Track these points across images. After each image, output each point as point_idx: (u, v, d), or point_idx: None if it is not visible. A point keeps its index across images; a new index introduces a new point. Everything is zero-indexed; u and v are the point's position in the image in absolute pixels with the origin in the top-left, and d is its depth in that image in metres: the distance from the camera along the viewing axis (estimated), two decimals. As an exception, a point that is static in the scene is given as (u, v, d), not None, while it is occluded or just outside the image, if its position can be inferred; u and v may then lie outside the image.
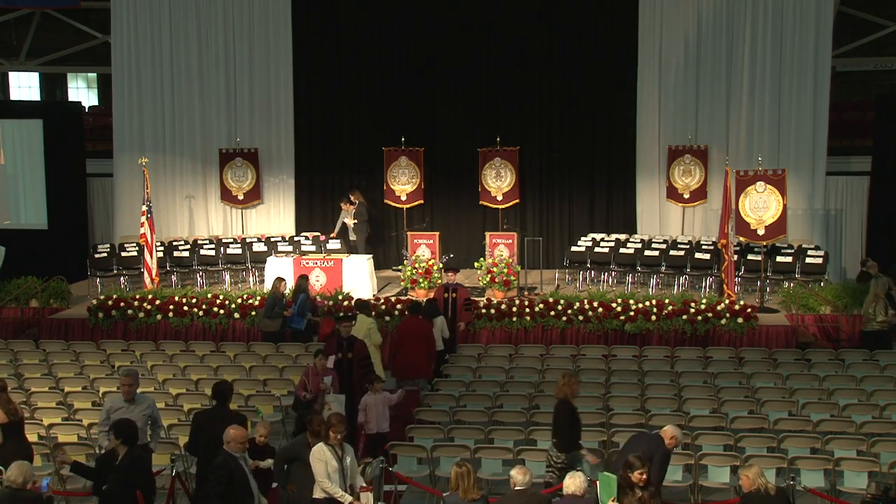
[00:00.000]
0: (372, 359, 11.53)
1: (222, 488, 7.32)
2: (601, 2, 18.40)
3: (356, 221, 18.07)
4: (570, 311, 14.26)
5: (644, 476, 6.97)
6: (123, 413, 8.46)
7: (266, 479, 8.25)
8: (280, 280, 13.94)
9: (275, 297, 13.69)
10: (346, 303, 14.65)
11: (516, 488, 7.08)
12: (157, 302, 14.99)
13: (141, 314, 14.82)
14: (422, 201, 18.64)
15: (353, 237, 18.09)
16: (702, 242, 17.21)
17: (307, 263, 15.87)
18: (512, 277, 15.42)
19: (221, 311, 14.78)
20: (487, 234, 16.57)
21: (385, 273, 18.24)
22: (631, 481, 6.98)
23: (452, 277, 13.90)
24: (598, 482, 7.23)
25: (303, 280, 14.04)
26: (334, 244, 17.56)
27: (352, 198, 18.27)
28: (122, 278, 17.08)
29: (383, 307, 14.56)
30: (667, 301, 14.33)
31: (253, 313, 14.63)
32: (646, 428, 9.87)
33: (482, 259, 15.86)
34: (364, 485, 7.81)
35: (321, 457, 7.62)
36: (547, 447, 9.06)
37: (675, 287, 16.26)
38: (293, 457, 7.89)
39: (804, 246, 16.66)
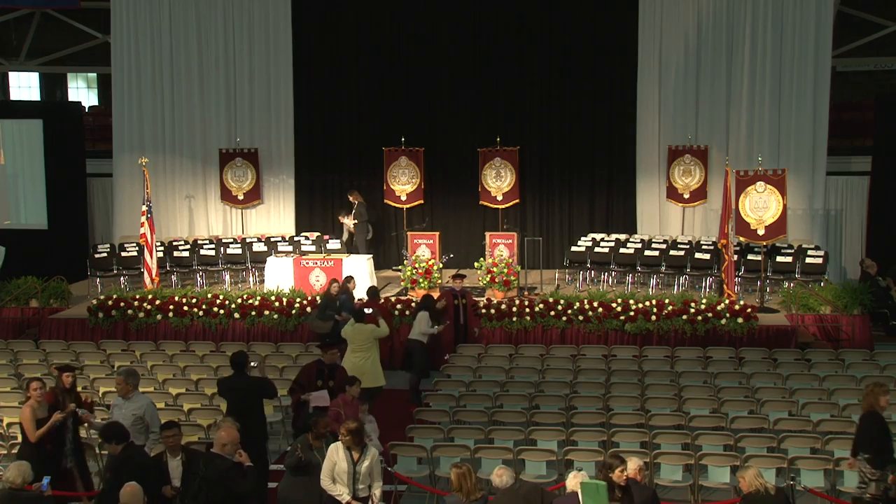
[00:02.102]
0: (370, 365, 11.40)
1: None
2: (601, 2, 18.40)
3: (356, 222, 18.07)
4: (570, 311, 14.26)
5: (624, 475, 6.86)
6: (118, 409, 8.73)
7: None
8: (349, 279, 13.95)
9: (328, 298, 13.63)
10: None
11: (502, 488, 7.09)
12: (157, 302, 14.99)
13: (141, 314, 14.82)
14: (422, 201, 18.64)
15: (352, 232, 18.13)
16: (702, 242, 17.20)
17: (307, 263, 15.88)
18: (512, 277, 15.42)
19: (221, 311, 14.78)
20: (487, 234, 16.56)
21: (385, 273, 18.24)
22: (612, 482, 6.81)
23: (460, 283, 13.99)
24: (580, 491, 6.72)
25: (347, 281, 14.08)
26: (334, 244, 17.57)
27: (350, 198, 18.29)
28: (122, 278, 17.09)
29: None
30: (667, 301, 14.32)
31: (252, 313, 14.65)
32: (645, 428, 9.89)
33: (482, 259, 15.87)
34: (377, 493, 7.72)
35: (331, 456, 7.65)
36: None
37: (675, 287, 16.26)
38: (305, 461, 7.84)
39: (804, 246, 16.65)
